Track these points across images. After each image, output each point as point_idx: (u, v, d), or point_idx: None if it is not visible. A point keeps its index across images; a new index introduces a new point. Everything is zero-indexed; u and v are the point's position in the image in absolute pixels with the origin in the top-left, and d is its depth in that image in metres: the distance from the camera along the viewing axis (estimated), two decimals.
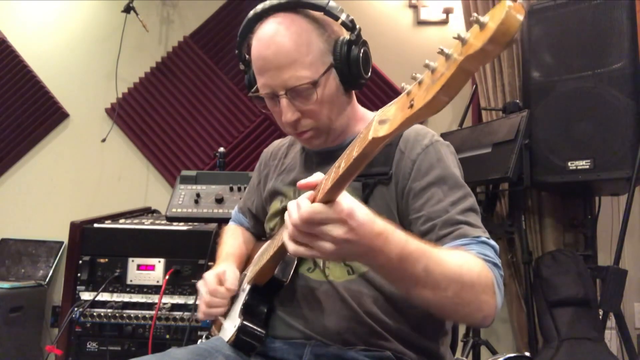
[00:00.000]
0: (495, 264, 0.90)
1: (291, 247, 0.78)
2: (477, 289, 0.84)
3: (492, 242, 0.94)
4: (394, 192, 1.01)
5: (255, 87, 1.07)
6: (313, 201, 0.75)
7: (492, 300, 0.86)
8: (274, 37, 0.99)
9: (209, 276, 1.14)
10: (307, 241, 0.76)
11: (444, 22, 2.96)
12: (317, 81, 0.99)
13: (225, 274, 1.13)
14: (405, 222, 1.00)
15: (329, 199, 0.73)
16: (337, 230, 0.73)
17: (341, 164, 0.72)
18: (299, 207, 0.74)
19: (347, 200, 0.74)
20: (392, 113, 0.63)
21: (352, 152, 0.70)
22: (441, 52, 0.54)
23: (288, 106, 1.01)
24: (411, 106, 0.58)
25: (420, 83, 0.58)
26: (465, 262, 0.85)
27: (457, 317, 0.95)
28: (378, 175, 1.02)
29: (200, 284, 1.14)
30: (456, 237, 0.92)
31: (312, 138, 1.07)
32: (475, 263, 0.86)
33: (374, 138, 0.64)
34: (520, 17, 0.49)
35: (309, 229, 0.74)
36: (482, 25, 0.50)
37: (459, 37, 0.52)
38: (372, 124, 0.66)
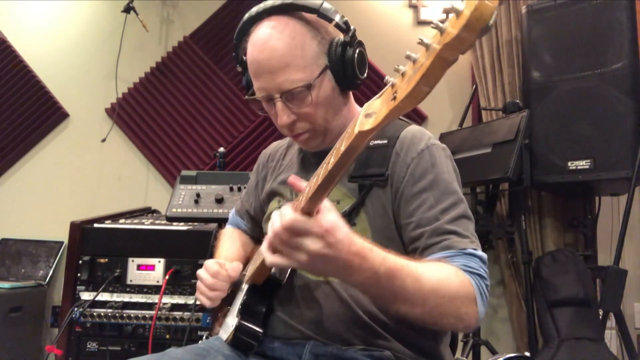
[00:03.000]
0: (479, 275, 0.91)
1: (268, 257, 0.81)
2: (456, 303, 0.87)
3: (479, 252, 0.94)
4: (389, 194, 1.02)
5: (251, 91, 1.08)
6: (297, 209, 0.76)
7: (473, 312, 0.88)
8: (268, 41, 0.99)
9: (210, 262, 1.14)
10: (285, 250, 0.77)
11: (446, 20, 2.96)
12: (312, 84, 0.99)
13: (225, 264, 1.14)
14: (399, 225, 1.01)
15: (310, 208, 0.75)
16: (313, 244, 0.74)
17: (330, 159, 0.73)
18: (282, 215, 0.76)
19: (329, 216, 0.75)
20: (377, 106, 0.64)
21: (341, 147, 0.70)
22: (421, 42, 0.55)
23: (283, 109, 1.02)
24: (394, 98, 0.59)
25: (402, 75, 0.59)
26: (445, 276, 0.87)
27: (438, 327, 0.98)
28: (374, 177, 1.02)
29: (201, 271, 1.14)
30: (442, 249, 0.93)
31: (309, 140, 1.07)
32: (456, 277, 0.88)
33: (360, 132, 0.65)
34: (494, 2, 0.50)
35: (288, 238, 0.75)
36: (458, 13, 0.51)
37: (437, 27, 0.53)
38: (358, 117, 0.66)
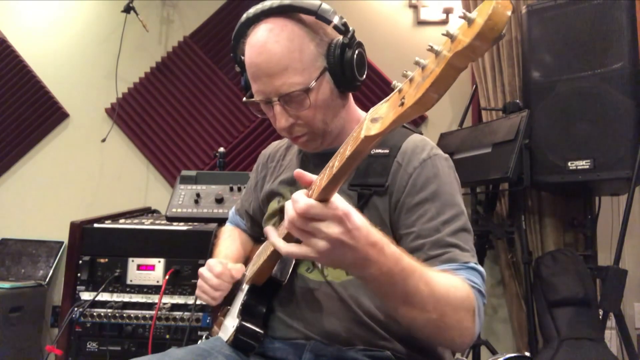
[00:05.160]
0: (480, 292, 0.90)
1: (283, 247, 0.78)
2: (460, 315, 0.85)
3: (480, 267, 0.94)
4: (388, 204, 1.01)
5: (249, 93, 1.07)
6: (310, 196, 0.74)
7: (472, 327, 0.86)
8: (265, 44, 0.98)
9: (214, 262, 1.13)
10: (302, 238, 0.74)
11: (444, 22, 2.96)
12: (310, 87, 0.98)
13: (228, 264, 1.13)
14: (396, 236, 1.00)
15: (323, 198, 0.73)
16: (332, 229, 0.72)
17: (335, 163, 0.72)
18: (296, 202, 0.73)
19: (343, 203, 0.73)
20: (384, 111, 0.63)
21: (345, 151, 0.70)
22: (431, 49, 0.54)
23: (281, 112, 1.01)
24: (402, 104, 0.58)
25: (411, 80, 0.58)
26: (453, 286, 0.85)
27: (438, 339, 0.94)
28: (374, 186, 1.01)
29: (203, 270, 1.13)
30: (445, 261, 0.92)
31: (307, 142, 1.07)
32: (463, 288, 0.87)
33: (366, 136, 0.64)
34: (508, 12, 0.49)
35: (304, 225, 0.73)
36: (470, 21, 0.50)
37: (447, 34, 0.52)
38: (364, 122, 0.66)
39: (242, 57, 1.06)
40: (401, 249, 0.81)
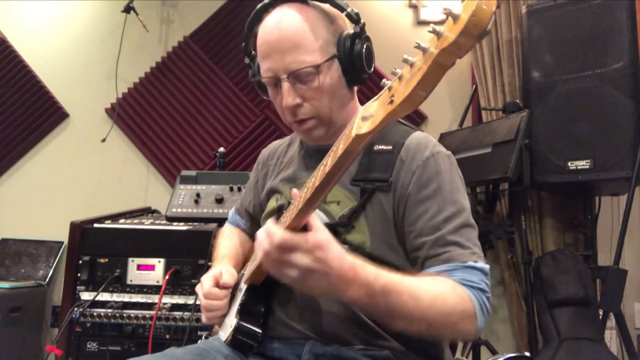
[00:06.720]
0: (480, 289, 0.91)
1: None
2: (452, 319, 0.87)
3: (480, 264, 0.94)
4: (392, 200, 1.01)
5: (257, 76, 1.08)
6: (284, 225, 0.79)
7: (471, 327, 0.89)
8: (280, 22, 1.01)
9: (206, 279, 1.13)
10: (276, 268, 0.79)
11: (444, 22, 2.96)
12: (319, 66, 1.00)
13: (220, 274, 1.13)
14: (401, 232, 1.00)
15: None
16: (302, 259, 0.75)
17: (327, 161, 0.73)
18: (272, 235, 0.77)
19: (320, 235, 0.77)
20: (374, 109, 0.64)
21: (338, 149, 0.70)
22: (418, 46, 0.54)
23: (289, 90, 1.01)
24: (391, 102, 0.59)
25: (400, 78, 0.58)
26: (442, 292, 0.87)
27: (437, 339, 1.00)
28: (377, 181, 1.02)
29: (197, 288, 1.14)
30: (443, 262, 0.93)
31: (313, 128, 1.06)
32: (454, 293, 0.88)
33: (357, 135, 0.65)
34: (492, 8, 0.49)
35: (278, 255, 0.77)
36: (455, 18, 0.51)
37: (434, 31, 0.53)
38: (355, 120, 0.66)
39: (253, 52, 1.08)
40: (380, 266, 0.83)
